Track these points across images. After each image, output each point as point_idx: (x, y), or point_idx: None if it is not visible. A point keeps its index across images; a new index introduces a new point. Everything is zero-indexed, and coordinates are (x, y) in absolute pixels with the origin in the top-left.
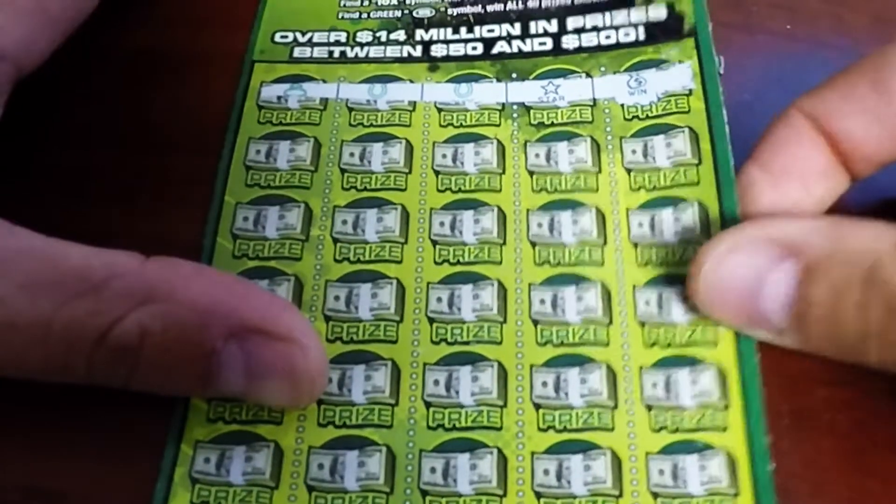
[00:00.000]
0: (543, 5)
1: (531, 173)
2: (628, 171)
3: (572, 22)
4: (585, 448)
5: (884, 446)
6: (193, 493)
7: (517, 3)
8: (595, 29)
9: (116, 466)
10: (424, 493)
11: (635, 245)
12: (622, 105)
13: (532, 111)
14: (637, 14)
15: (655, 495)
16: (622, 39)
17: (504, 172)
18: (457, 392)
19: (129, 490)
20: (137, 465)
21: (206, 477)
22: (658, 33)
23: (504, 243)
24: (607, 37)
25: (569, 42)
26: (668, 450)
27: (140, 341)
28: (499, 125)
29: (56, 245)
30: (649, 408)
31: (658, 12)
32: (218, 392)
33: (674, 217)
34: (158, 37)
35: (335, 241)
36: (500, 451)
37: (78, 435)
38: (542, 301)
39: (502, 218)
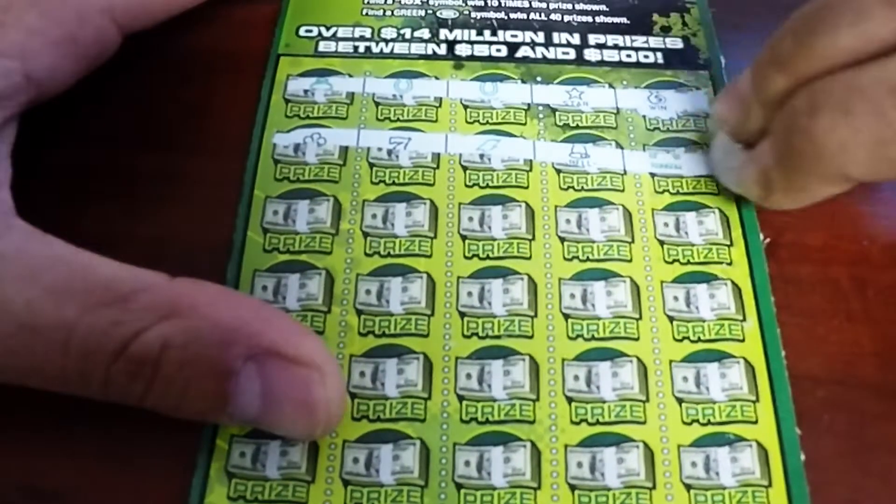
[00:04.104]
0: (566, 19)
1: (558, 171)
2: (652, 175)
3: (594, 38)
4: (618, 441)
5: (884, 446)
6: (230, 487)
7: (540, 14)
8: (616, 47)
9: (116, 466)
10: (459, 486)
11: (661, 243)
12: (644, 116)
13: (557, 113)
14: (655, 41)
15: (688, 487)
16: (642, 60)
17: (531, 170)
18: (489, 386)
19: (149, 489)
20: (139, 464)
21: (241, 471)
22: (675, 61)
23: (533, 238)
24: (628, 55)
25: (591, 55)
26: (699, 442)
27: (159, 355)
28: (525, 124)
29: (86, 256)
30: (680, 401)
31: (675, 43)
32: (231, 417)
33: (697, 220)
34: (181, 37)
35: (365, 235)
36: (533, 444)
37: (77, 434)
38: (573, 295)
39: (531, 214)
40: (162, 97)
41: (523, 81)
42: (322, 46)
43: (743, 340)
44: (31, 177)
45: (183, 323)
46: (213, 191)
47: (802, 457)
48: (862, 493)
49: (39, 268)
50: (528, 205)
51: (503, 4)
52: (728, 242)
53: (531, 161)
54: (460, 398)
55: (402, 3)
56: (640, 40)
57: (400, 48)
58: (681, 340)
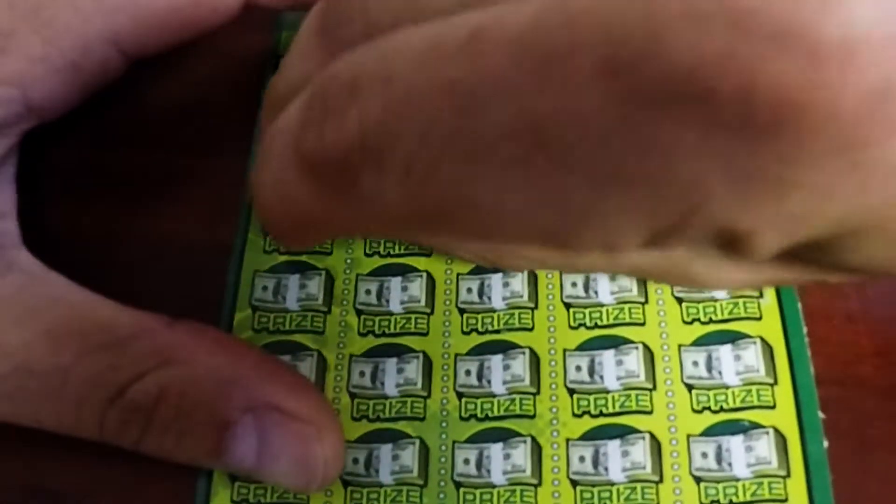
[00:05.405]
0: None
1: None
2: None
3: None
4: (623, 433)
5: (884, 446)
6: (233, 490)
7: None
8: None
9: (120, 468)
10: (458, 485)
11: None
12: None
13: None
14: None
15: (698, 480)
16: None
17: None
18: (488, 381)
19: (153, 490)
20: (143, 467)
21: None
22: None
23: None
24: None
25: None
26: (710, 431)
27: (156, 402)
28: None
29: (86, 296)
30: (690, 387)
31: None
32: (227, 467)
33: None
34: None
35: (364, 238)
36: (533, 439)
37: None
38: (574, 283)
39: None
40: (162, 97)
41: None
42: None
43: (760, 318)
44: (32, 177)
45: (180, 371)
46: (213, 191)
47: (826, 443)
48: (862, 493)
49: (38, 309)
50: None
51: None
52: None
53: None
54: (459, 395)
55: None
56: None
57: None
58: (690, 322)
